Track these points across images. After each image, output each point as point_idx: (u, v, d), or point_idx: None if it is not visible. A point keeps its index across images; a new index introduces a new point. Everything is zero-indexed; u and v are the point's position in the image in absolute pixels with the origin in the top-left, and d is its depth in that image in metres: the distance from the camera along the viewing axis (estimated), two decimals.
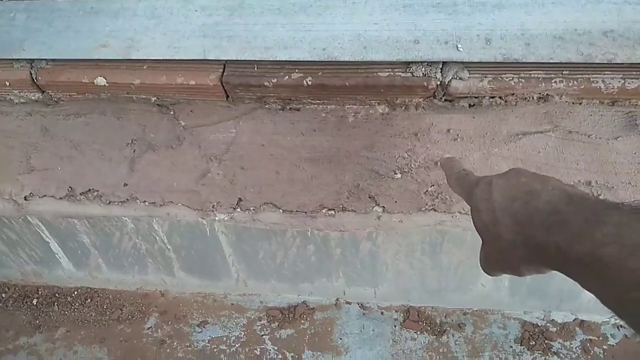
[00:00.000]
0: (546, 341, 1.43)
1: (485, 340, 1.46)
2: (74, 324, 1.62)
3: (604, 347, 1.42)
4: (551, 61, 0.87)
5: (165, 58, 0.98)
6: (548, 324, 1.48)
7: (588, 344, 1.41)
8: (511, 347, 1.44)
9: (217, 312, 1.60)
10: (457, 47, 0.89)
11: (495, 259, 0.65)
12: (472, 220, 0.70)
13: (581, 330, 1.45)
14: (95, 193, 1.28)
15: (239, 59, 0.95)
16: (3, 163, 1.27)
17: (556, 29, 0.88)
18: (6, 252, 1.59)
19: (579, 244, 0.49)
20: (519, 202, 0.60)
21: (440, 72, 0.90)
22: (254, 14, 0.98)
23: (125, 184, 1.25)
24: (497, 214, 0.62)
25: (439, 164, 0.93)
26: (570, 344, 1.43)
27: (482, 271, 0.69)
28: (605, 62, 0.85)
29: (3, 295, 1.72)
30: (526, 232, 0.58)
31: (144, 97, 1.05)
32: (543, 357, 1.40)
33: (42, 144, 1.22)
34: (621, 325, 1.45)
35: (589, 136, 0.99)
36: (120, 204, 1.30)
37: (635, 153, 1.00)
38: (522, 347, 1.43)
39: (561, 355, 1.40)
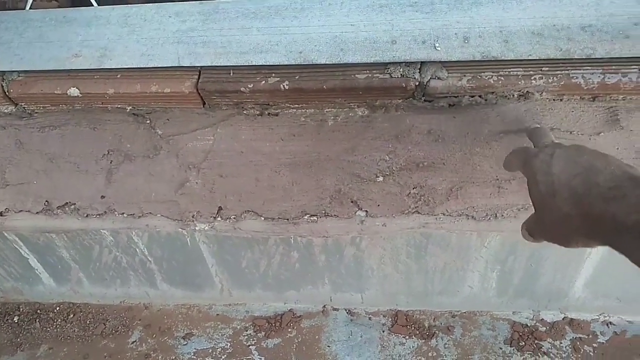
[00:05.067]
0: (536, 341, 1.42)
1: (475, 343, 1.45)
2: (57, 341, 1.58)
3: (594, 345, 1.41)
4: (530, 58, 0.86)
5: (139, 66, 0.96)
6: (537, 324, 1.47)
7: (578, 343, 1.40)
8: (501, 348, 1.42)
9: (202, 324, 1.57)
10: (435, 47, 0.88)
11: (547, 229, 0.67)
12: (528, 189, 0.71)
13: (571, 328, 1.44)
14: (72, 206, 1.25)
15: (214, 64, 0.93)
16: None
17: (534, 25, 0.87)
18: None
19: (635, 213, 0.52)
20: (579, 178, 0.62)
21: (419, 72, 0.89)
22: (229, 18, 0.96)
23: (103, 196, 1.22)
24: (556, 187, 0.64)
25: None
26: (560, 343, 1.42)
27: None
28: (584, 57, 0.85)
29: None
30: (583, 203, 0.59)
31: (119, 106, 1.03)
32: (533, 358, 1.39)
33: (17, 158, 1.18)
34: (611, 322, 1.44)
35: (571, 132, 0.98)
36: (98, 216, 1.26)
37: (617, 148, 1.00)
38: (512, 348, 1.42)
39: (551, 355, 1.39)
